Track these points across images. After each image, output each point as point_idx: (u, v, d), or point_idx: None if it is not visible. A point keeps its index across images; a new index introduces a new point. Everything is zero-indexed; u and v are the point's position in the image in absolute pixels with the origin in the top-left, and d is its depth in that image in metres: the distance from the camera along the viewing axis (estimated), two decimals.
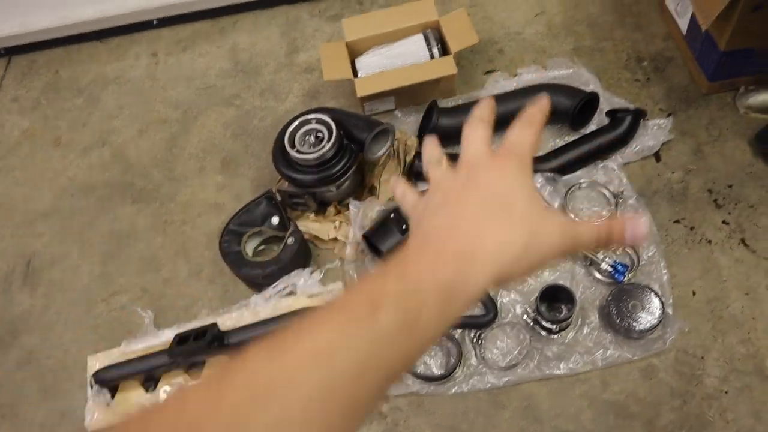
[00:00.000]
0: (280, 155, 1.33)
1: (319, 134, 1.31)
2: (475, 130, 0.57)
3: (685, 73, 1.45)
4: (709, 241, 1.27)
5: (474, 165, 0.53)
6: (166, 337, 1.34)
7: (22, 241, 1.55)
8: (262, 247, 1.42)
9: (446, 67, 1.39)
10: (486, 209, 0.49)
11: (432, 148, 0.60)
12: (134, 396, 1.33)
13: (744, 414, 1.11)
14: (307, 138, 1.32)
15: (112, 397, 1.31)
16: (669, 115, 1.40)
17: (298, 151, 1.29)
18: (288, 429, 0.38)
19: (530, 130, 0.56)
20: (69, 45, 1.82)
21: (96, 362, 1.39)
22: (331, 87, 1.59)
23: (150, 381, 1.33)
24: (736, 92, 1.39)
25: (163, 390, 1.30)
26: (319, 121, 1.31)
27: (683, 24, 1.42)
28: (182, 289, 1.42)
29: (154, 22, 1.77)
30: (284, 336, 0.42)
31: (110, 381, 1.30)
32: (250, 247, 1.39)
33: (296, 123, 1.32)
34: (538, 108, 0.58)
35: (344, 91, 1.57)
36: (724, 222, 1.28)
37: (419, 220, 0.54)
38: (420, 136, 1.42)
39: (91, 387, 1.31)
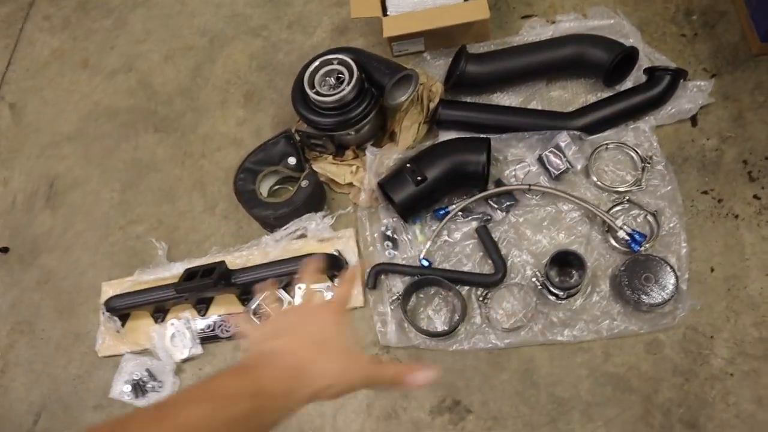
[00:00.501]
0: (300, 95, 1.29)
1: (340, 76, 1.27)
2: (306, 280, 0.85)
3: (737, 30, 1.34)
4: (737, 216, 1.20)
5: (305, 310, 0.74)
6: (177, 270, 1.37)
7: (47, 162, 1.58)
8: (277, 187, 1.41)
9: (479, 10, 1.31)
10: (314, 344, 0.65)
11: (267, 288, 1.01)
12: (143, 325, 1.37)
13: (747, 399, 1.08)
14: (327, 79, 1.28)
15: (123, 324, 1.35)
16: (713, 76, 1.30)
17: (317, 93, 1.25)
18: None
19: (347, 287, 0.79)
20: None
21: (110, 289, 1.42)
22: (361, 23, 1.53)
23: (159, 312, 1.36)
24: None
25: (170, 323, 1.33)
26: (341, 62, 1.26)
27: None
28: (196, 224, 1.43)
29: None
30: (165, 407, 0.57)
31: (120, 309, 1.33)
32: (265, 186, 1.38)
33: (317, 63, 1.27)
34: (353, 272, 1.00)
35: (373, 29, 1.51)
36: (755, 197, 1.21)
37: (263, 342, 0.67)
38: (447, 81, 1.36)
39: (103, 313, 1.35)
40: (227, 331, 1.31)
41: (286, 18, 1.59)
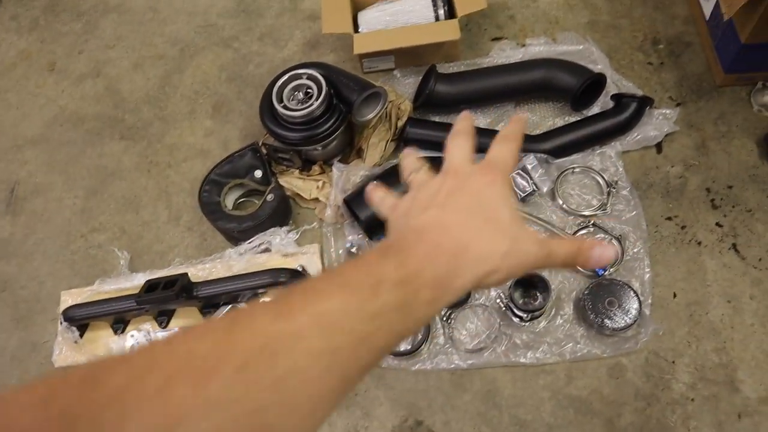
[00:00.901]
0: (267, 109, 1.28)
1: (309, 91, 1.26)
2: (459, 142, 0.61)
3: (702, 61, 1.37)
4: (699, 243, 1.22)
5: (460, 173, 0.57)
6: (138, 281, 1.34)
7: (8, 167, 1.54)
8: (242, 200, 1.39)
9: (450, 31, 1.32)
10: (473, 215, 0.52)
11: (411, 158, 0.65)
12: (102, 336, 1.33)
13: (707, 424, 1.09)
14: (295, 93, 1.27)
15: (81, 335, 1.32)
16: (678, 104, 1.33)
17: (285, 107, 1.24)
18: (294, 381, 0.41)
19: (510, 146, 0.60)
20: None
21: (69, 298, 1.39)
22: (332, 38, 1.53)
23: (119, 323, 1.33)
24: (752, 87, 1.31)
25: (130, 334, 1.30)
26: (310, 77, 1.26)
27: (708, 8, 1.33)
28: (160, 234, 1.41)
29: None
30: (290, 299, 0.44)
31: (78, 319, 1.30)
32: (230, 199, 1.36)
33: (286, 77, 1.27)
34: (517, 125, 0.63)
35: (344, 44, 1.51)
36: (717, 224, 1.23)
37: (405, 216, 0.56)
38: (416, 100, 1.36)
39: (61, 323, 1.32)
40: None
41: (257, 30, 1.58)
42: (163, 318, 1.32)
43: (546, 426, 1.13)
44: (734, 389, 1.11)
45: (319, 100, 1.23)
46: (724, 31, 1.26)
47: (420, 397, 1.18)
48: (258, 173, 1.35)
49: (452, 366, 1.19)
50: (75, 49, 1.65)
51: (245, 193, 1.38)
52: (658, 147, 1.30)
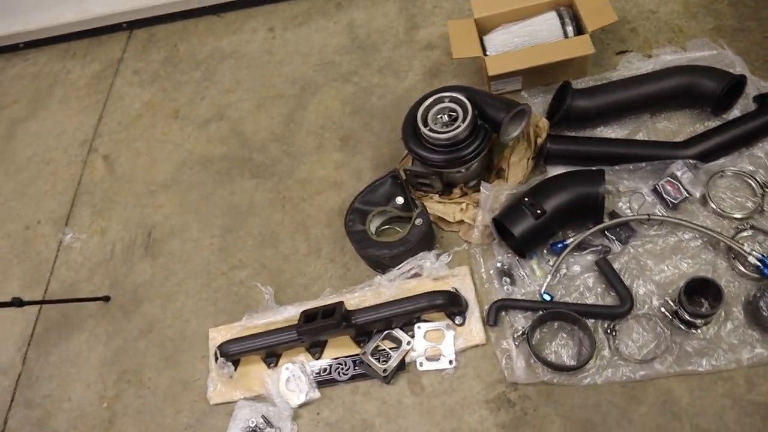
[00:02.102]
0: (411, 132, 1.30)
1: (452, 113, 1.28)
2: None
3: None
4: None
5: None
6: (288, 313, 1.35)
7: (143, 211, 1.59)
8: (385, 227, 1.41)
9: (583, 46, 1.34)
10: None
11: None
12: (255, 371, 1.34)
13: None
14: (439, 117, 1.29)
15: (234, 370, 1.33)
16: None
17: (431, 130, 1.26)
18: None
19: None
20: (187, 19, 1.84)
21: (217, 335, 1.41)
22: (453, 65, 1.56)
23: (272, 357, 1.34)
24: None
25: (285, 367, 1.31)
26: (453, 100, 1.28)
27: None
28: (301, 267, 1.43)
29: None
30: None
31: (234, 354, 1.31)
32: (373, 227, 1.38)
33: (430, 100, 1.29)
34: None
35: (466, 69, 1.54)
36: None
37: None
38: (551, 117, 1.37)
39: (216, 359, 1.33)
40: (345, 374, 1.29)
41: (375, 64, 1.63)
42: (317, 349, 1.33)
43: None
44: None
45: (466, 122, 1.24)
46: None
47: (592, 412, 1.16)
48: (399, 200, 1.37)
49: (623, 378, 1.17)
50: (197, 95, 1.71)
51: (386, 220, 1.40)
52: None
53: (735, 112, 1.33)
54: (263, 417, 1.28)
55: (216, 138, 1.63)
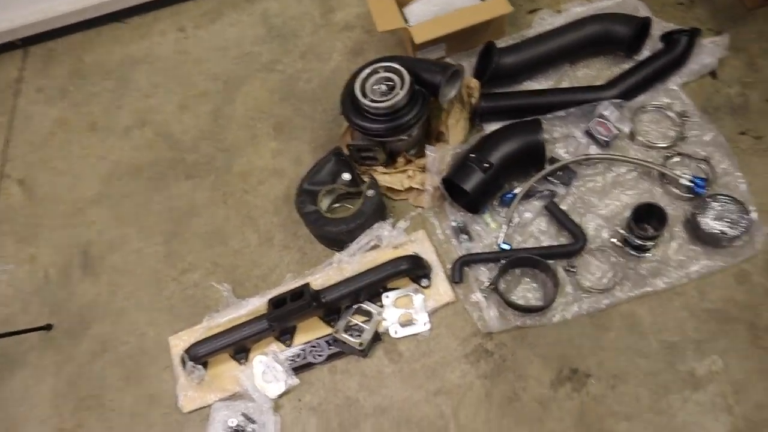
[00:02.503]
0: (351, 105, 1.31)
1: (389, 82, 1.30)
2: None
3: None
4: None
5: None
6: (251, 306, 1.32)
7: (74, 231, 1.50)
8: (335, 205, 1.41)
9: (500, 6, 1.39)
10: None
11: None
12: (226, 370, 1.30)
13: None
14: (377, 88, 1.31)
15: None
16: (717, 33, 1.43)
17: (371, 100, 1.27)
18: None
19: None
20: (87, 29, 1.76)
21: (179, 341, 1.36)
22: (375, 41, 1.58)
23: (241, 353, 1.30)
24: None
25: (258, 360, 1.28)
26: (389, 69, 1.30)
27: None
28: (256, 258, 1.40)
29: None
30: None
31: (205, 355, 1.27)
32: (324, 206, 1.37)
33: (366, 72, 1.30)
34: None
35: (387, 44, 1.56)
36: None
37: None
38: (478, 78, 1.42)
39: (183, 365, 1.28)
40: (320, 355, 1.27)
41: (297, 50, 1.62)
42: (287, 336, 1.30)
43: (694, 342, 1.17)
44: None
45: (405, 88, 1.26)
46: None
47: (566, 346, 1.21)
48: (346, 176, 1.37)
49: (590, 309, 1.22)
50: (112, 105, 1.64)
51: (336, 198, 1.40)
52: (713, 74, 1.40)
53: (645, 53, 1.43)
54: (243, 414, 1.25)
55: (142, 144, 1.57)
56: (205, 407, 1.27)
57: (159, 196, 1.50)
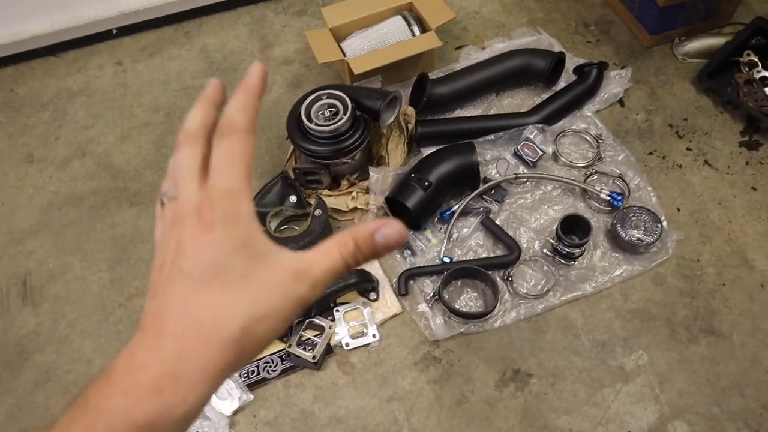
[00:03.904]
0: (297, 129, 1.38)
1: (332, 108, 1.38)
2: (182, 152, 0.43)
3: (626, 32, 1.69)
4: (680, 166, 1.48)
5: (180, 222, 0.40)
6: None
7: (12, 261, 1.47)
8: (284, 227, 1.45)
9: (431, 41, 1.52)
10: (193, 296, 0.38)
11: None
12: None
13: (741, 299, 1.31)
14: (321, 113, 1.38)
15: None
16: (622, 68, 1.61)
17: (316, 124, 1.35)
18: None
19: (236, 139, 0.42)
20: (19, 63, 1.74)
21: None
22: (313, 74, 1.66)
23: None
24: (671, 43, 1.64)
25: None
26: (331, 96, 1.38)
27: None
28: None
29: (114, 32, 1.75)
30: None
31: None
32: (272, 227, 1.42)
33: (310, 98, 1.38)
34: (244, 143, 0.42)
35: (326, 77, 1.65)
36: (687, 149, 1.50)
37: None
38: (415, 105, 1.52)
39: None
40: (274, 370, 1.30)
41: (237, 82, 1.66)
42: None
43: (622, 339, 1.29)
44: (750, 267, 1.35)
45: (347, 113, 1.35)
46: (642, 2, 1.58)
47: (509, 349, 1.30)
48: (293, 198, 1.43)
49: (527, 314, 1.32)
50: (50, 136, 1.63)
51: (283, 220, 1.45)
52: (621, 102, 1.57)
53: (561, 84, 1.59)
54: None
55: (82, 175, 1.56)
56: None
57: (102, 225, 1.50)
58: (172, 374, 0.37)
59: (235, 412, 1.27)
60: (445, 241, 1.39)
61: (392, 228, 0.42)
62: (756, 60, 1.54)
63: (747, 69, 1.55)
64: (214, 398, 1.27)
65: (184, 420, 0.38)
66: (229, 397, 1.28)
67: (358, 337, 1.33)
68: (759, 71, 1.53)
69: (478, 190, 1.43)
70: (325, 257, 0.42)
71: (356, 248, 0.42)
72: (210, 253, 0.39)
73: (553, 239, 1.36)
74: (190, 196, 0.40)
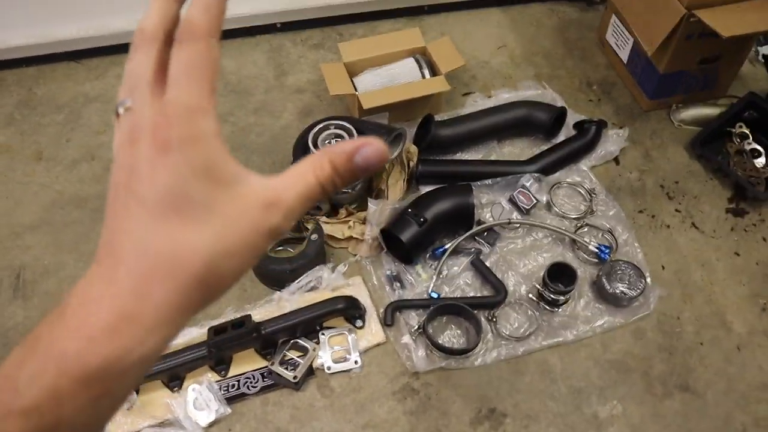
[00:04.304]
0: (302, 155, 1.42)
1: (338, 138, 1.43)
2: (132, 62, 0.38)
3: (627, 94, 1.76)
4: (668, 226, 1.52)
5: (135, 140, 0.36)
6: (190, 335, 1.35)
7: (9, 254, 1.49)
8: (279, 248, 1.48)
9: (440, 84, 1.58)
10: (151, 226, 0.35)
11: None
12: (158, 397, 1.32)
13: (718, 359, 1.35)
14: (327, 142, 1.43)
15: None
16: (620, 128, 1.67)
17: None
18: None
19: (190, 48, 0.37)
20: (41, 65, 1.80)
21: None
22: (324, 105, 1.72)
23: (175, 380, 1.33)
24: (669, 109, 1.71)
25: (191, 388, 1.31)
26: (339, 126, 1.43)
27: (624, 55, 1.72)
28: None
29: None
30: None
31: None
32: (267, 248, 1.45)
33: (318, 127, 1.43)
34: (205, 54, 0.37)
35: (336, 109, 1.70)
36: (676, 210, 1.55)
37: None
38: (419, 144, 1.57)
39: None
40: (254, 386, 1.32)
41: (250, 105, 1.73)
42: (222, 366, 1.34)
43: (598, 388, 1.32)
44: (728, 329, 1.39)
45: None
46: (644, 68, 1.65)
47: (486, 388, 1.32)
48: None
49: (507, 355, 1.35)
50: (61, 138, 1.67)
51: (279, 242, 1.48)
52: (616, 160, 1.62)
53: (561, 137, 1.65)
54: None
55: (89, 177, 1.60)
56: None
57: (102, 228, 1.53)
58: (128, 315, 0.34)
59: (211, 424, 1.28)
60: (435, 277, 1.42)
61: (372, 148, 0.38)
62: (747, 132, 1.61)
63: (738, 140, 1.61)
64: (190, 407, 1.29)
65: (140, 365, 0.34)
66: (206, 408, 1.29)
67: (340, 362, 1.35)
68: (749, 143, 1.59)
69: (471, 231, 1.47)
70: (298, 181, 0.37)
71: (333, 170, 0.38)
72: (166, 179, 0.34)
73: (539, 285, 1.40)
74: (146, 111, 0.36)
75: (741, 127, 1.62)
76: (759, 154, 1.59)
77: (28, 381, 0.33)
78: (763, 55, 1.82)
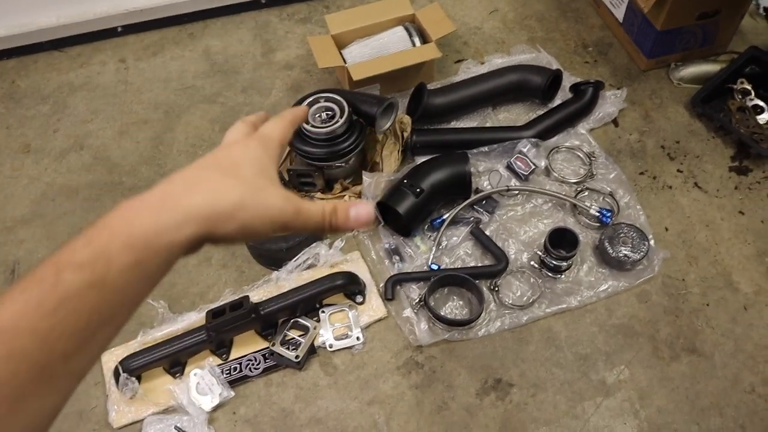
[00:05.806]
0: None
1: (329, 111, 1.40)
2: (237, 125, 0.60)
3: (624, 54, 1.71)
4: (670, 187, 1.49)
5: (225, 143, 0.56)
6: (189, 320, 1.34)
7: (1, 249, 1.48)
8: None
9: (431, 51, 1.54)
10: (211, 168, 0.51)
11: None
12: (160, 384, 1.30)
13: (724, 320, 1.32)
14: (318, 115, 1.40)
15: None
16: (618, 88, 1.63)
17: (312, 126, 1.37)
18: None
19: (280, 122, 0.60)
20: (22, 56, 1.77)
21: (112, 357, 1.34)
22: (313, 80, 1.69)
23: (177, 366, 1.31)
24: (668, 68, 1.66)
25: (193, 373, 1.29)
26: (329, 99, 1.40)
27: (619, 13, 1.68)
28: (193, 277, 1.42)
29: (119, 29, 1.77)
30: None
31: (140, 367, 1.27)
32: None
33: (309, 100, 1.40)
34: (293, 112, 0.63)
35: (327, 83, 1.67)
36: (678, 170, 1.52)
37: None
38: (412, 114, 1.54)
39: (117, 378, 1.27)
40: (256, 368, 1.30)
41: (238, 85, 1.70)
42: (224, 350, 1.33)
43: (604, 354, 1.29)
44: (734, 289, 1.36)
45: (344, 117, 1.37)
46: (640, 26, 1.61)
47: (491, 358, 1.30)
48: None
49: (511, 324, 1.33)
50: (48, 128, 1.64)
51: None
52: (615, 122, 1.59)
53: (557, 101, 1.61)
54: (176, 428, 1.25)
55: (78, 167, 1.58)
56: (137, 422, 1.26)
57: (95, 217, 1.47)
58: (174, 197, 0.47)
59: (215, 408, 1.26)
60: (434, 248, 1.40)
61: (364, 210, 0.54)
62: (749, 88, 1.57)
63: (740, 96, 1.57)
64: (193, 393, 1.27)
65: (168, 250, 0.45)
66: (209, 393, 1.28)
67: (342, 339, 1.33)
68: (751, 99, 1.55)
69: (469, 200, 1.44)
70: (312, 206, 0.53)
71: (333, 212, 0.53)
72: (239, 155, 0.52)
73: (541, 252, 1.37)
74: (238, 135, 0.57)
75: (743, 83, 1.58)
76: (762, 110, 1.55)
77: (85, 243, 0.43)
78: (764, 8, 1.77)
